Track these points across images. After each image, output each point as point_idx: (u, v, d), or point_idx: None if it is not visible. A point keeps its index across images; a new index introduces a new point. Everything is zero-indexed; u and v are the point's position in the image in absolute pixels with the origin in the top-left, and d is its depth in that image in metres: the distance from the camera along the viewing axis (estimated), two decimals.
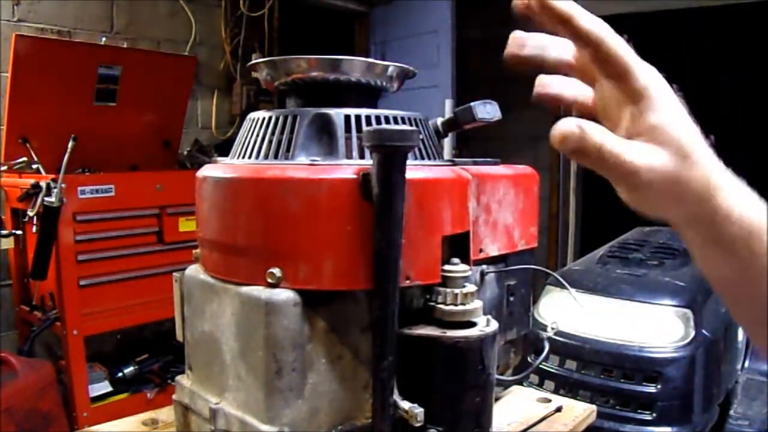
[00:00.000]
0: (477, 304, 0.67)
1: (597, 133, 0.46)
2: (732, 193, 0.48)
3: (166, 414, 0.91)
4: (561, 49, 0.50)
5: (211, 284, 0.71)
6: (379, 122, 0.70)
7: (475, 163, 0.78)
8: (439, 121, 0.86)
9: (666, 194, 0.48)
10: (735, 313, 0.53)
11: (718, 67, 5.99)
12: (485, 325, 0.67)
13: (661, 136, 0.47)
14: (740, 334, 2.21)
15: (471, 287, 0.67)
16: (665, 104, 0.47)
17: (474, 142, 4.20)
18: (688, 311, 1.88)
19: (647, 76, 0.47)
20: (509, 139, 4.25)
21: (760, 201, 0.49)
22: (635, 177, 0.47)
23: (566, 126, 0.46)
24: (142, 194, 2.28)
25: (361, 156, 0.69)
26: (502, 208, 0.78)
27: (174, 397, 0.79)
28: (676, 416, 1.79)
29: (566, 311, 2.07)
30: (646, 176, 0.47)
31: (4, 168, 2.19)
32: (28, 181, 2.06)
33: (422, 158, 0.75)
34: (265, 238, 0.65)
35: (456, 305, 0.65)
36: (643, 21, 4.81)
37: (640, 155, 0.47)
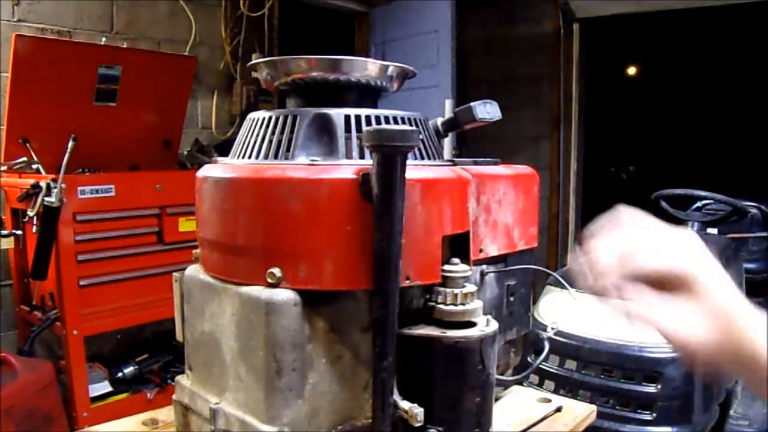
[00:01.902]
0: (477, 304, 0.67)
1: (655, 313, 0.56)
2: None
3: (166, 414, 0.91)
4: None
5: (211, 284, 0.70)
6: (379, 122, 0.70)
7: (475, 163, 0.78)
8: (439, 121, 0.86)
9: (720, 361, 0.56)
10: None
11: (718, 67, 5.98)
12: (485, 325, 0.67)
13: (705, 312, 0.55)
14: None
15: (471, 287, 0.67)
16: (703, 287, 0.55)
17: (474, 142, 4.20)
18: None
19: (682, 266, 0.56)
20: (509, 139, 4.25)
21: None
22: (686, 347, 0.56)
23: (631, 306, 0.57)
24: (142, 194, 2.28)
25: (361, 156, 0.69)
26: (502, 208, 0.78)
27: (174, 397, 0.79)
28: (676, 416, 1.79)
29: (566, 311, 2.07)
30: (694, 348, 0.55)
31: (4, 168, 2.19)
32: (28, 181, 2.06)
33: (422, 158, 0.75)
34: (265, 238, 0.65)
35: (456, 305, 0.65)
36: (644, 21, 4.81)
37: (689, 330, 0.55)
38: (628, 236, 0.59)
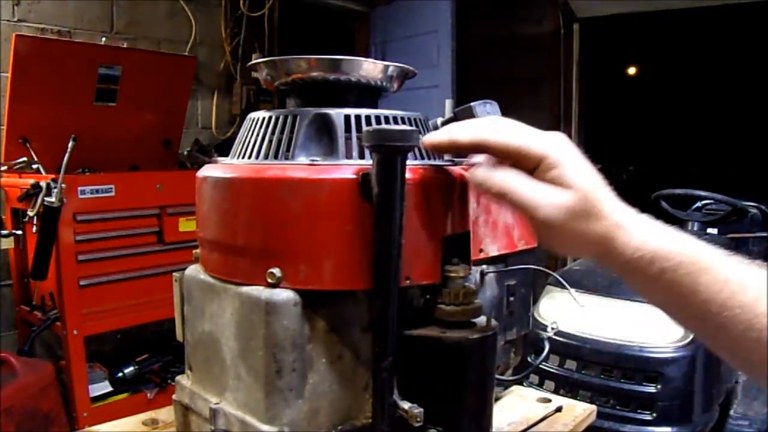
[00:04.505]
0: (477, 304, 0.67)
1: (499, 174, 0.55)
2: (632, 229, 0.54)
3: (166, 414, 0.91)
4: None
5: (211, 284, 0.70)
6: (379, 122, 0.70)
7: None
8: (439, 121, 0.86)
9: (570, 233, 0.54)
10: (685, 327, 0.58)
11: (718, 67, 5.99)
12: (485, 326, 0.67)
13: (565, 183, 0.53)
14: None
15: (471, 287, 0.67)
16: (566, 161, 0.53)
17: None
18: None
19: (543, 144, 0.54)
20: None
21: (666, 230, 0.54)
22: (536, 211, 0.54)
23: (475, 170, 0.57)
24: (142, 194, 2.28)
25: (361, 156, 0.69)
26: (502, 208, 0.78)
27: (174, 397, 0.79)
28: (676, 416, 1.79)
29: (566, 311, 2.07)
30: (546, 211, 0.53)
31: (4, 168, 2.20)
32: (28, 181, 2.06)
33: (422, 158, 0.75)
34: (265, 238, 0.65)
35: (456, 305, 0.65)
36: (644, 21, 4.81)
37: (542, 193, 0.53)
38: (490, 120, 0.59)
